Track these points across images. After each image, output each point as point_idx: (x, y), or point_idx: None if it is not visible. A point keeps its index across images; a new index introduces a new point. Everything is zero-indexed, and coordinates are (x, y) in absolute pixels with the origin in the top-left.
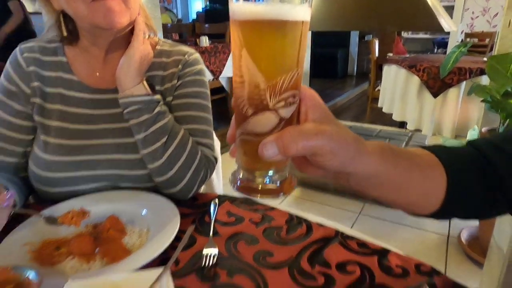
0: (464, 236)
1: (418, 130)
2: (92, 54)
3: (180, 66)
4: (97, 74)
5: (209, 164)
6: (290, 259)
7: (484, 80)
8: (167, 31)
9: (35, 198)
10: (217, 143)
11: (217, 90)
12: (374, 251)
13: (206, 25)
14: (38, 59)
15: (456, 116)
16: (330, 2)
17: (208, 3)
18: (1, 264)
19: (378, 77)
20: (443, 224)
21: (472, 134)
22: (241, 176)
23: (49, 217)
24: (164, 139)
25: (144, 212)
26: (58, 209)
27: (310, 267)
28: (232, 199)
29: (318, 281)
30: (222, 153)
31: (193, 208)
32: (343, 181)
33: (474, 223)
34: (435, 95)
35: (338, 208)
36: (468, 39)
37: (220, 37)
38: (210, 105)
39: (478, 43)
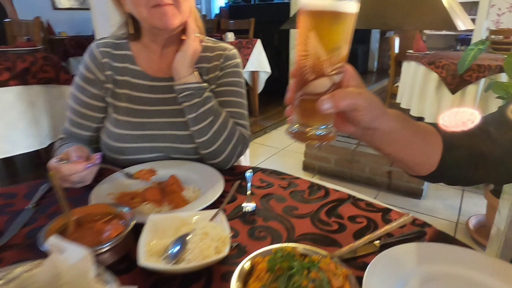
0: (472, 223)
1: None
2: (151, 49)
3: (221, 60)
4: (156, 65)
5: (245, 141)
6: (311, 212)
7: (504, 77)
8: None
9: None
10: None
11: None
12: (379, 209)
13: (231, 21)
14: (110, 52)
15: None
16: None
17: None
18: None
19: (398, 73)
20: (452, 212)
21: None
22: (295, 128)
23: (127, 173)
24: (210, 119)
25: (195, 176)
26: (133, 169)
27: (327, 218)
28: (263, 170)
29: (333, 227)
30: None
31: (232, 176)
32: (367, 137)
33: (482, 211)
34: (453, 91)
35: None
36: (492, 37)
37: (244, 33)
38: (245, 92)
39: (503, 40)
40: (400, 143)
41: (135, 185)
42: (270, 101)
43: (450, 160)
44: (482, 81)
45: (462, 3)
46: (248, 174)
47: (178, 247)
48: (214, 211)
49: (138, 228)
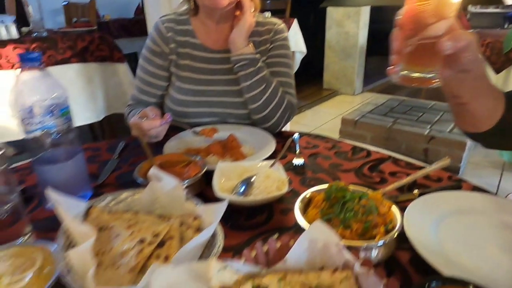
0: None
1: None
2: (207, 25)
3: (271, 34)
4: (213, 39)
5: (292, 108)
6: (355, 168)
7: None
8: None
9: None
10: None
11: None
12: (418, 167)
13: (268, 1)
14: (173, 27)
15: None
16: None
17: None
18: None
19: None
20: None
21: None
22: (403, 73)
23: (194, 130)
24: (263, 87)
25: (249, 137)
26: (198, 127)
27: (370, 172)
28: (308, 135)
29: (376, 179)
30: None
31: (281, 138)
32: (456, 82)
33: None
34: (497, 70)
35: None
36: None
37: (280, 13)
38: (292, 63)
39: None
40: (480, 91)
41: (199, 142)
42: (305, 81)
43: (509, 118)
44: None
45: None
46: (296, 136)
47: (244, 186)
48: (271, 161)
49: (207, 175)
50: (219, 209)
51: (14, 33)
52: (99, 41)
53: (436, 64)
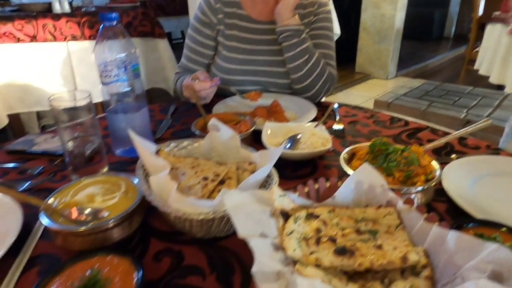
0: None
1: None
2: None
3: (315, 6)
4: (258, 11)
5: (333, 79)
6: (393, 135)
7: None
8: None
9: None
10: None
11: None
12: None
13: None
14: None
15: None
16: None
17: None
18: None
19: (479, 38)
20: None
21: None
22: None
23: (240, 93)
24: (306, 57)
25: (291, 104)
26: (243, 93)
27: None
28: (346, 105)
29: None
30: None
31: (320, 108)
32: None
33: None
34: None
35: None
36: None
37: None
38: (334, 36)
39: None
40: None
41: (244, 107)
42: (336, 64)
43: None
44: None
45: None
46: (336, 106)
47: (291, 142)
48: (315, 123)
49: (254, 134)
50: (274, 153)
51: (66, 7)
52: (142, 16)
53: None
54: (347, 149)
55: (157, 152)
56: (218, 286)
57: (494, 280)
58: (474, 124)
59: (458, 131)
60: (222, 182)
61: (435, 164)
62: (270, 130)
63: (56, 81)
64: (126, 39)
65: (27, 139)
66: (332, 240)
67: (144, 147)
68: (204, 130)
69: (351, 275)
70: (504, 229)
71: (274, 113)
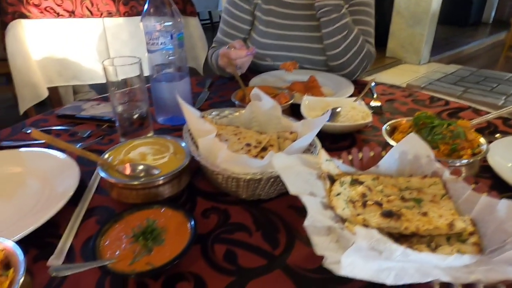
0: None
1: None
2: None
3: None
4: None
5: (371, 57)
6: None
7: None
8: None
9: None
10: None
11: None
12: (500, 117)
13: None
14: None
15: None
16: None
17: None
18: None
19: None
20: None
21: None
22: None
23: (274, 63)
24: (344, 33)
25: (327, 81)
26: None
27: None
28: (383, 84)
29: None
30: None
31: (357, 85)
32: None
33: None
34: None
35: None
36: None
37: None
38: (374, 13)
39: None
40: None
41: (280, 82)
42: None
43: None
44: None
45: None
46: (373, 84)
47: (330, 116)
48: (353, 98)
49: (291, 108)
50: (318, 122)
51: None
52: None
53: None
54: (389, 122)
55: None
56: (264, 243)
57: None
58: None
59: (505, 109)
60: (264, 149)
61: (482, 140)
62: (308, 104)
63: (92, 56)
64: (173, 8)
65: (75, 105)
66: (378, 204)
67: (191, 112)
68: (243, 101)
69: (397, 238)
70: None
71: (311, 88)
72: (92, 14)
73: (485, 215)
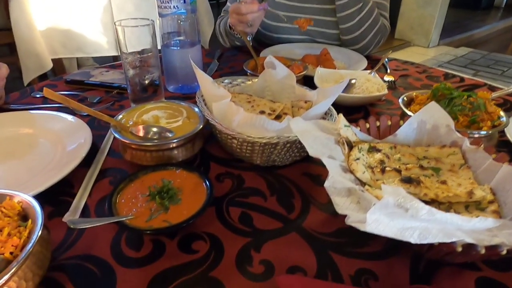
0: None
1: None
2: None
3: None
4: None
5: (385, 31)
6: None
7: None
8: None
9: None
10: None
11: None
12: None
13: None
14: None
15: None
16: None
17: None
18: None
19: None
20: None
21: None
22: None
23: (287, 20)
24: (359, 5)
25: (340, 56)
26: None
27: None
28: (396, 59)
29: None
30: None
31: (370, 60)
32: None
33: None
34: None
35: None
36: None
37: None
38: None
39: None
40: None
41: (291, 55)
42: None
43: None
44: None
45: None
46: (386, 59)
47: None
48: (368, 70)
49: (304, 80)
50: (334, 90)
51: None
52: None
53: None
54: (406, 93)
55: None
56: (279, 207)
57: None
58: None
59: None
60: (278, 118)
61: (502, 112)
62: (321, 76)
63: (97, 28)
64: None
65: (84, 71)
66: (397, 170)
67: (205, 77)
68: (255, 71)
69: None
70: None
71: (323, 61)
72: None
73: (506, 184)
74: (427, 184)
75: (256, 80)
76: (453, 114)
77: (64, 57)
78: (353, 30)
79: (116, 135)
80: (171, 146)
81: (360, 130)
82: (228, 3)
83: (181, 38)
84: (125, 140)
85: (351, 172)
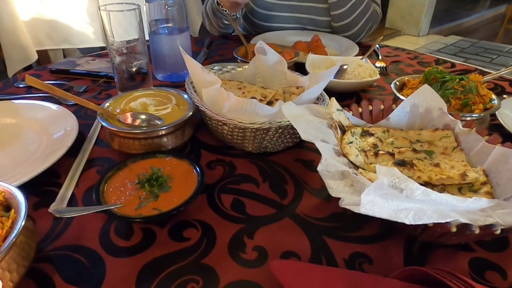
0: None
1: None
2: None
3: None
4: None
5: (376, 18)
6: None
7: None
8: None
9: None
10: None
11: None
12: (506, 79)
13: None
14: None
15: None
16: None
17: None
18: None
19: None
20: None
21: None
22: None
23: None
24: None
25: (331, 42)
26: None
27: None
28: (387, 46)
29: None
30: None
31: (361, 47)
32: None
33: None
34: None
35: None
36: None
37: None
38: None
39: None
40: None
41: (282, 43)
42: None
43: None
44: None
45: None
46: (377, 45)
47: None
48: (360, 56)
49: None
50: (326, 75)
51: None
52: None
53: None
54: (398, 78)
55: None
56: (272, 193)
57: None
58: None
59: None
60: (270, 103)
61: (494, 96)
62: (312, 62)
63: (82, 18)
64: None
65: (69, 60)
66: (390, 154)
67: (194, 63)
68: (246, 58)
69: None
70: None
71: (315, 48)
72: None
73: (499, 165)
74: (421, 167)
75: (247, 66)
76: (445, 97)
77: (50, 49)
78: (344, 16)
79: (103, 123)
80: (160, 133)
81: (352, 115)
82: None
83: (169, 25)
84: (112, 128)
85: (344, 155)
